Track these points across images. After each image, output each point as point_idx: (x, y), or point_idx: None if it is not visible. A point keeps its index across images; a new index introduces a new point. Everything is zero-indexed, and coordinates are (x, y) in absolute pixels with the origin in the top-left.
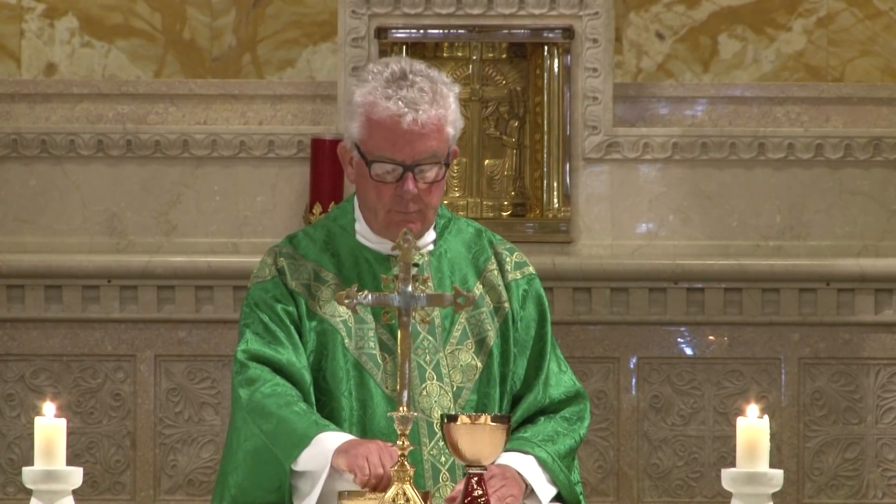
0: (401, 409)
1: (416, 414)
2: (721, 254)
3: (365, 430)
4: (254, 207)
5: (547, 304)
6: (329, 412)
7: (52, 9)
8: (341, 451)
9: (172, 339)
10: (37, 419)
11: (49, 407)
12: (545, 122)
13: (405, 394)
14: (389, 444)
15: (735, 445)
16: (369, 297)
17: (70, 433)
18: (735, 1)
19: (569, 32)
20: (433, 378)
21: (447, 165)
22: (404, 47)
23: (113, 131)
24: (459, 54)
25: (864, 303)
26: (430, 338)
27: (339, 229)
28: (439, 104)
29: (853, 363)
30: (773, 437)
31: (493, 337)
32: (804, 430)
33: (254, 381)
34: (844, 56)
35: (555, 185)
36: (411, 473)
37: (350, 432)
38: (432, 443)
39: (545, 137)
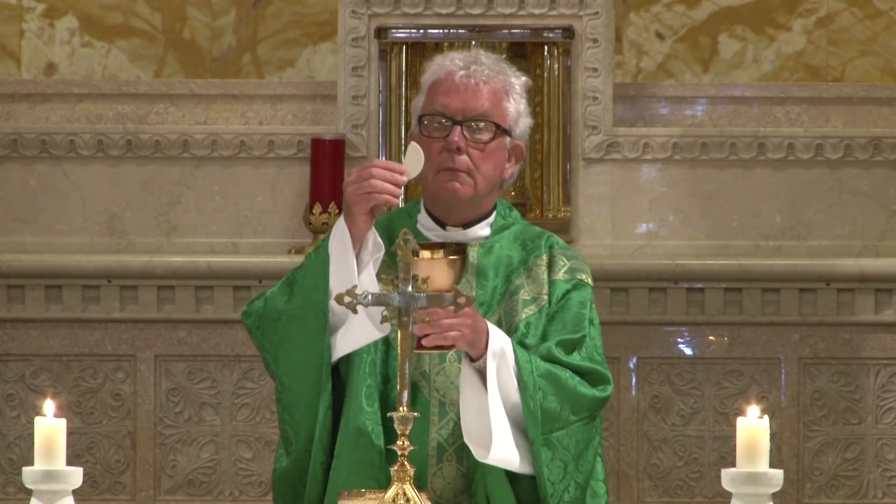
0: (400, 409)
1: (416, 414)
2: (721, 254)
3: (387, 403)
4: (254, 207)
5: (591, 308)
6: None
7: (52, 9)
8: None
9: (172, 339)
10: (37, 419)
11: (49, 407)
12: (545, 122)
13: (405, 394)
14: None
15: (735, 445)
16: (369, 297)
17: (70, 433)
18: (735, 1)
19: (569, 32)
20: (453, 360)
21: (504, 132)
22: (404, 47)
23: (113, 131)
24: None
25: (864, 303)
26: None
27: (405, 214)
28: (499, 77)
29: (853, 363)
30: (773, 437)
31: (521, 318)
32: (804, 430)
33: (258, 297)
34: (844, 56)
35: (555, 185)
36: (411, 473)
37: (370, 407)
38: (442, 422)
39: (545, 137)
